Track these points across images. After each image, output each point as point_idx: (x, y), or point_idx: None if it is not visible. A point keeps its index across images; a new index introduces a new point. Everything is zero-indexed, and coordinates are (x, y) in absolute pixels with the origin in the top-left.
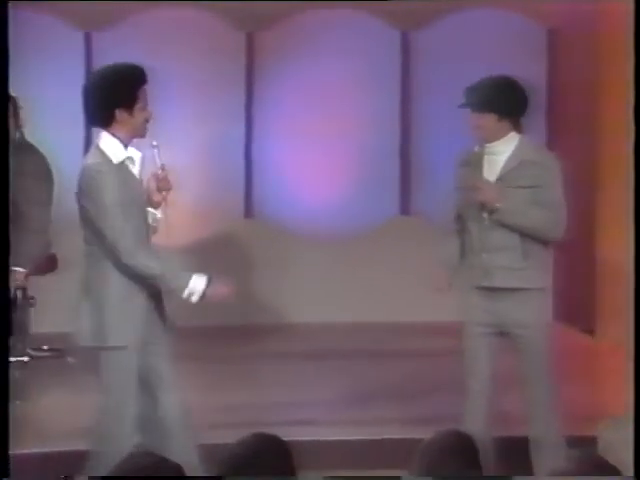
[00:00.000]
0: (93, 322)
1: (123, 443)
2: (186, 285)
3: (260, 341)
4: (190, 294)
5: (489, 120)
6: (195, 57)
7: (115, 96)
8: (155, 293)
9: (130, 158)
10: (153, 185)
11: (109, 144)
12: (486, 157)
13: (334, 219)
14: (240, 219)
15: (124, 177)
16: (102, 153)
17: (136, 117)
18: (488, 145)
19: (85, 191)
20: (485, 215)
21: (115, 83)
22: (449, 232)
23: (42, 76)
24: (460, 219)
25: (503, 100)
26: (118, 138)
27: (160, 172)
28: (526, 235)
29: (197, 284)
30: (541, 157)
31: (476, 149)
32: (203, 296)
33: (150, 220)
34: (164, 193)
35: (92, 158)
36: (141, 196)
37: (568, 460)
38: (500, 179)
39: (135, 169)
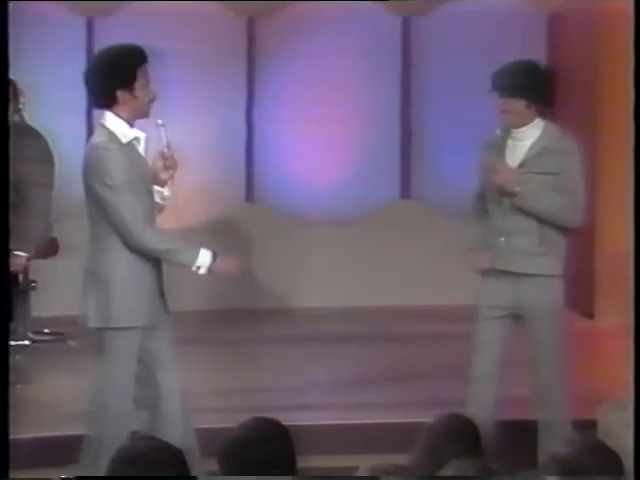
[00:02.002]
0: (100, 303)
1: (121, 426)
2: (195, 259)
3: (260, 325)
4: (198, 268)
5: (518, 105)
6: (197, 42)
7: (114, 77)
8: (158, 277)
9: (137, 138)
10: (160, 164)
11: (115, 124)
12: (510, 142)
13: (334, 203)
14: (241, 203)
15: (132, 156)
16: (109, 132)
17: (138, 97)
18: (514, 131)
19: (93, 170)
20: (504, 199)
21: (113, 64)
22: (474, 213)
23: (44, 60)
24: (481, 200)
25: (533, 85)
26: (122, 118)
27: (166, 150)
28: (544, 221)
29: (204, 258)
30: (563, 145)
31: (498, 132)
32: (210, 270)
33: (157, 198)
34: (171, 171)
35: (99, 137)
36: (148, 175)
37: (568, 444)
38: (522, 165)
39: (141, 149)
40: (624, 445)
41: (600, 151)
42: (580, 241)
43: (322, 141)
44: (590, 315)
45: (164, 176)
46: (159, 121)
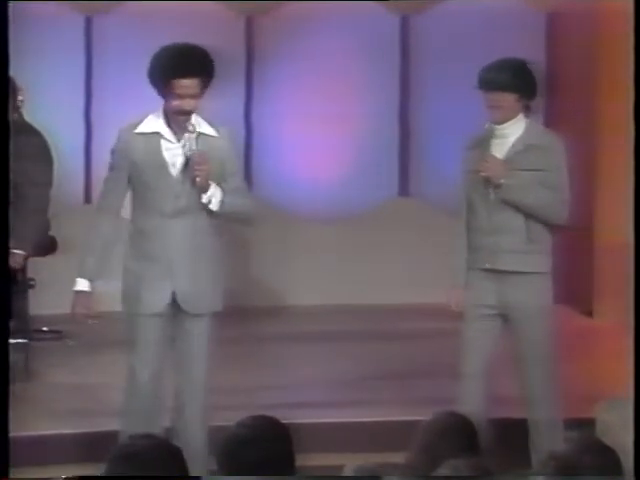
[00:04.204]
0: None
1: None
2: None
3: (257, 323)
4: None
5: (509, 100)
6: (196, 41)
7: (152, 80)
8: None
9: (157, 133)
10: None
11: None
12: (493, 140)
13: (332, 200)
14: None
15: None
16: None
17: (169, 106)
18: (498, 127)
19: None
20: (491, 194)
21: (151, 68)
22: (455, 234)
23: (42, 58)
24: (466, 202)
25: (524, 80)
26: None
27: (196, 157)
28: (530, 216)
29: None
30: (547, 141)
31: (486, 126)
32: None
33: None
34: (198, 179)
35: None
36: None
37: (565, 442)
38: (506, 161)
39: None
40: (622, 443)
41: (600, 150)
42: (579, 239)
43: (321, 139)
44: (589, 313)
45: (196, 183)
46: (190, 127)
